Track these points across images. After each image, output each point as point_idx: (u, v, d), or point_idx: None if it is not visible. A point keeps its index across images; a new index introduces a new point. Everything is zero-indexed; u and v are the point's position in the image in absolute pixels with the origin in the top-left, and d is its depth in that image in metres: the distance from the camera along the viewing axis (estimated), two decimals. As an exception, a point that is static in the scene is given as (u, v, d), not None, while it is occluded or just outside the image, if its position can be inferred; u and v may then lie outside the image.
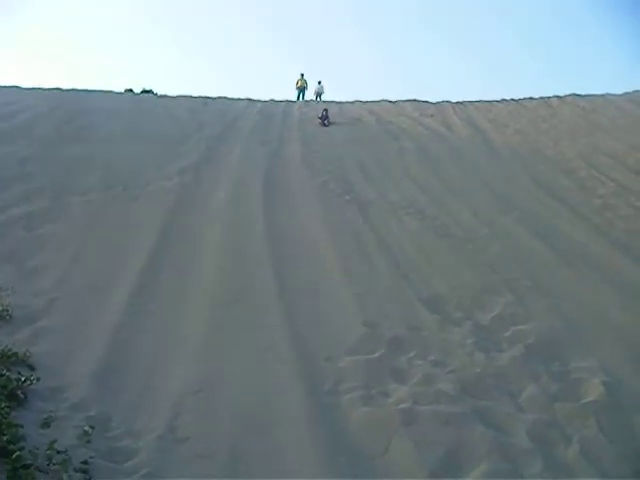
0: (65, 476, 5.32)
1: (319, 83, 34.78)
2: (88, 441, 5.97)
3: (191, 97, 29.48)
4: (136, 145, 18.68)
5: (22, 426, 5.82)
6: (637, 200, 14.91)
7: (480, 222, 13.32)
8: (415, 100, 30.54)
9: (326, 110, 25.26)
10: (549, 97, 29.63)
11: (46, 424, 6.15)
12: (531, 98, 30.10)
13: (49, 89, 27.70)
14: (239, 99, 30.03)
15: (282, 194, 14.98)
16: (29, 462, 5.29)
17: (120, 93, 30.73)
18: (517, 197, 15.38)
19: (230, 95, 30.65)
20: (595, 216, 14.06)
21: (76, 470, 5.48)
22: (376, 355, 7.93)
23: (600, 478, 5.94)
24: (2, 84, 28.01)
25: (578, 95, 29.36)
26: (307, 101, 33.26)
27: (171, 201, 13.92)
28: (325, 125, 24.47)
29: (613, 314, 9.45)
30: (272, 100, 30.80)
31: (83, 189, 14.27)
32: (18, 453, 5.32)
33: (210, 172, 16.50)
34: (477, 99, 30.60)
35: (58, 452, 5.61)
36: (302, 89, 34.55)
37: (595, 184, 16.44)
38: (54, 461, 5.48)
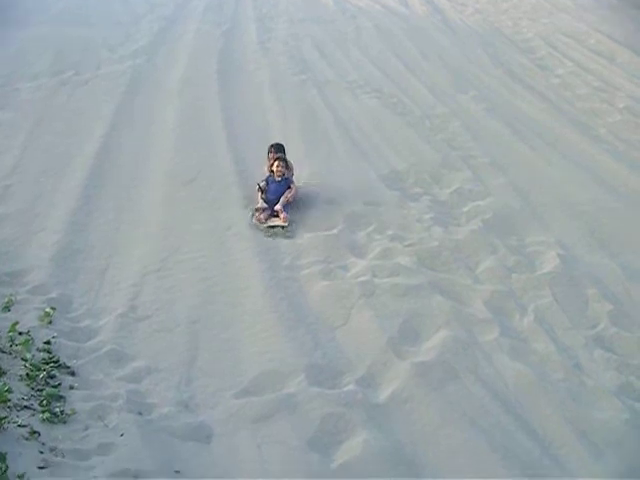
0: (29, 355, 5.36)
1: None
2: (50, 322, 6.04)
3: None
4: (85, 28, 17.92)
5: (-19, 310, 5.84)
6: (595, 80, 14.86)
7: (438, 100, 13.20)
8: (373, -22, 29.66)
9: (280, 160, 8.64)
10: (510, -25, 28.98)
11: (6, 308, 6.17)
12: (491, -24, 29.41)
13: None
14: (191, -22, 28.91)
15: (237, 75, 14.63)
16: (-9, 343, 5.32)
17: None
18: (475, 76, 15.20)
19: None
20: (553, 95, 14.00)
21: (39, 350, 5.55)
22: (334, 231, 8.01)
23: (553, 344, 6.16)
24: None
25: (539, -26, 28.75)
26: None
27: (124, 84, 13.51)
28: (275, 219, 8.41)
29: (570, 191, 9.56)
30: (226, -21, 29.70)
31: (32, 74, 13.77)
32: (-22, 335, 5.35)
33: (163, 53, 15.99)
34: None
35: (20, 333, 5.67)
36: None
37: (554, 63, 16.31)
38: (16, 342, 5.53)
